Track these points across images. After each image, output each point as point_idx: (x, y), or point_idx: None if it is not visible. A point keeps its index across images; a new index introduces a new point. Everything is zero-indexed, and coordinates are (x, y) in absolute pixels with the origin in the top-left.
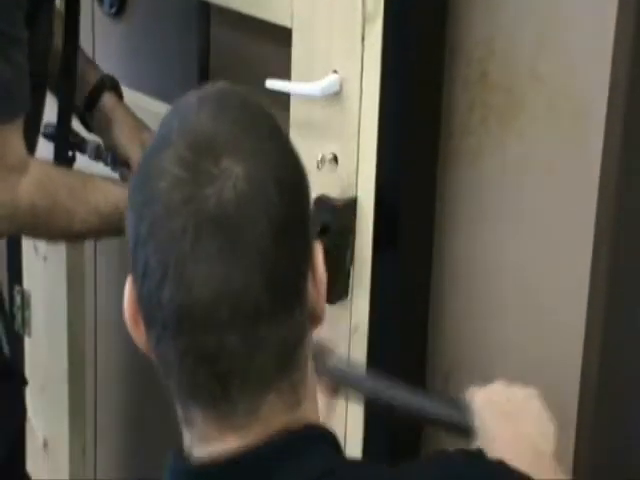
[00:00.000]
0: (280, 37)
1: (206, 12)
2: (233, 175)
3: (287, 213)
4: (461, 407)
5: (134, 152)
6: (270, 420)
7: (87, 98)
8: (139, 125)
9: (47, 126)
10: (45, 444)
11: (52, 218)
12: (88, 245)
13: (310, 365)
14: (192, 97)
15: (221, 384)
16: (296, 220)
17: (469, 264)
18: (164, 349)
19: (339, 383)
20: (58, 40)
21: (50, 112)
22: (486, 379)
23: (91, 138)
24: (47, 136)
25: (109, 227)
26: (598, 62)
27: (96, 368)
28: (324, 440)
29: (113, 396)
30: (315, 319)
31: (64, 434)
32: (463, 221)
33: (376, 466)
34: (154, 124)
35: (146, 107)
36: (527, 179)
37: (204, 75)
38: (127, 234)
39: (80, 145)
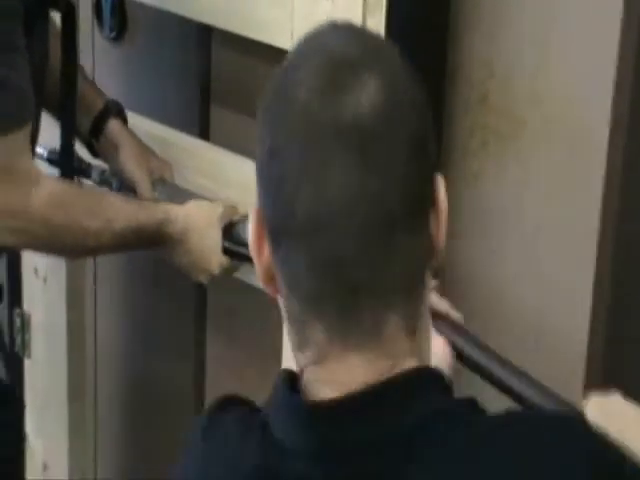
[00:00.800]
0: (281, 59)
1: (207, 35)
2: (372, 87)
3: (420, 130)
4: (571, 406)
5: (140, 177)
6: (392, 344)
7: (93, 124)
8: (145, 150)
9: (51, 152)
10: (45, 466)
11: (67, 234)
12: (88, 267)
13: (426, 302)
14: (324, 25)
15: (350, 293)
16: (427, 139)
17: (470, 285)
18: (293, 261)
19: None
20: (57, 62)
21: (52, 137)
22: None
23: (96, 163)
24: (51, 161)
25: (121, 244)
26: (599, 84)
27: (96, 390)
28: (442, 384)
29: (113, 418)
30: (435, 251)
31: (63, 456)
32: (463, 243)
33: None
34: (155, 147)
35: (147, 130)
36: (527, 201)
37: (205, 98)
38: (257, 155)
39: (85, 170)
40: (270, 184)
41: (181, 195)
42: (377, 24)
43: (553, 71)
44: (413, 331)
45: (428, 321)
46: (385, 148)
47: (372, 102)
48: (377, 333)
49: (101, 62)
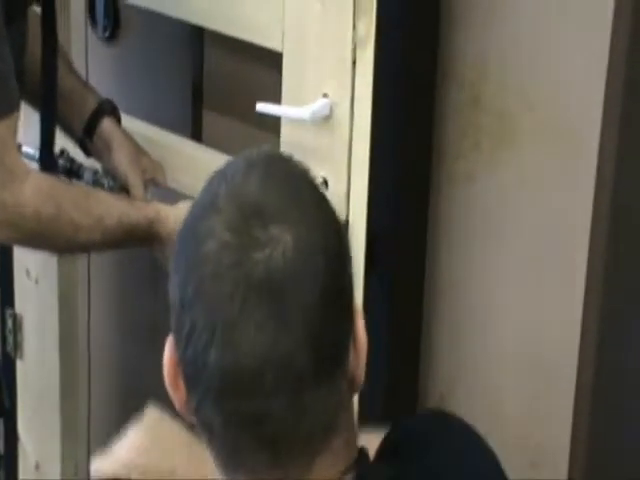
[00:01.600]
0: (273, 61)
1: (199, 36)
2: (282, 242)
3: (333, 282)
4: None
5: (133, 177)
6: (324, 475)
7: (87, 124)
8: (138, 150)
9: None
10: (37, 466)
11: (57, 227)
12: (80, 267)
13: (351, 414)
14: (239, 162)
15: (269, 450)
16: (342, 289)
17: (461, 285)
18: (207, 413)
19: None
20: (37, 54)
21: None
22: (482, 396)
23: (88, 164)
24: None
25: (112, 240)
26: (591, 86)
27: (89, 390)
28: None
29: (105, 418)
30: (354, 385)
31: (56, 456)
32: (455, 244)
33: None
34: (146, 147)
35: (139, 131)
36: (520, 202)
37: (197, 99)
38: (170, 297)
39: (77, 171)
40: (182, 333)
41: (173, 196)
42: (368, 26)
43: (545, 72)
44: (348, 456)
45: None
46: (294, 306)
47: (282, 260)
48: (306, 475)
49: (94, 62)
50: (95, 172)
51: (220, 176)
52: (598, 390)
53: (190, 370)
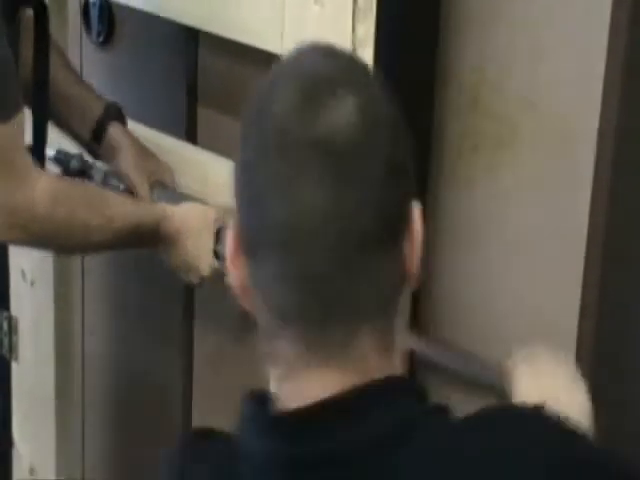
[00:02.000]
0: (268, 61)
1: (194, 39)
2: (349, 106)
3: (397, 153)
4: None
5: (139, 180)
6: (362, 361)
7: (94, 130)
8: (145, 153)
9: (58, 152)
10: (31, 470)
11: (69, 229)
12: (76, 270)
13: (398, 322)
14: (304, 46)
15: (321, 307)
16: (404, 163)
17: (461, 289)
18: (266, 274)
19: None
20: (29, 55)
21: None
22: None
23: (98, 165)
24: (59, 161)
25: (121, 241)
26: (590, 89)
27: (83, 393)
28: (413, 391)
29: (100, 421)
30: (409, 275)
31: (51, 459)
32: (455, 247)
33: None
34: None
35: (134, 133)
36: (519, 205)
37: (192, 101)
38: (235, 162)
39: (88, 172)
40: (243, 198)
41: (179, 199)
42: (367, 28)
43: (544, 75)
44: (385, 349)
45: (399, 341)
46: (361, 166)
47: (349, 120)
48: (347, 350)
49: (89, 66)
50: (105, 173)
51: (286, 57)
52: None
53: (252, 232)
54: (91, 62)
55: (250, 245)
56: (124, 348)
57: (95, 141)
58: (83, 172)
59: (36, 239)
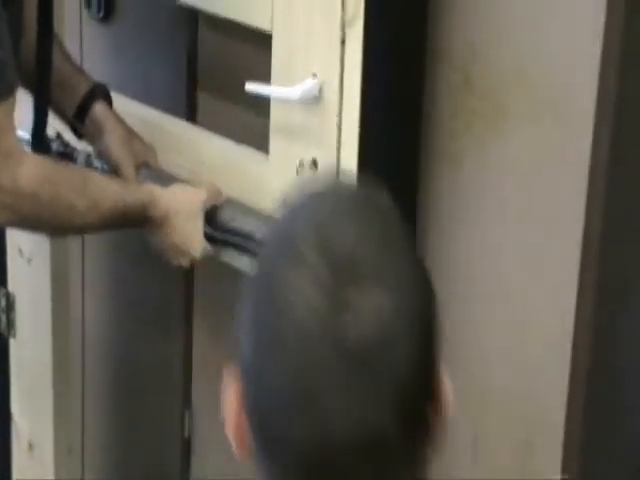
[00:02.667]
0: (267, 42)
1: (194, 16)
2: (376, 308)
3: (427, 353)
4: None
5: (124, 160)
6: None
7: (78, 107)
8: (130, 133)
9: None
10: (30, 445)
11: (55, 210)
12: (74, 246)
13: None
14: (323, 198)
15: None
16: (433, 357)
17: (452, 267)
18: (273, 471)
19: None
20: (32, 37)
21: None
22: (472, 383)
23: (81, 147)
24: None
25: (107, 223)
26: (584, 66)
27: (83, 370)
28: None
29: (99, 397)
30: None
31: (49, 436)
32: (446, 226)
33: None
34: (141, 129)
35: (133, 112)
36: (512, 183)
37: (192, 80)
38: (241, 349)
39: (71, 155)
40: (254, 395)
41: (165, 179)
42: (356, 6)
43: (537, 53)
44: None
45: None
46: (387, 376)
47: (376, 326)
48: None
49: (89, 42)
50: (88, 155)
51: (301, 211)
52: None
53: (263, 432)
54: (91, 38)
55: (261, 441)
56: (123, 324)
57: (79, 118)
58: (65, 155)
59: (21, 219)
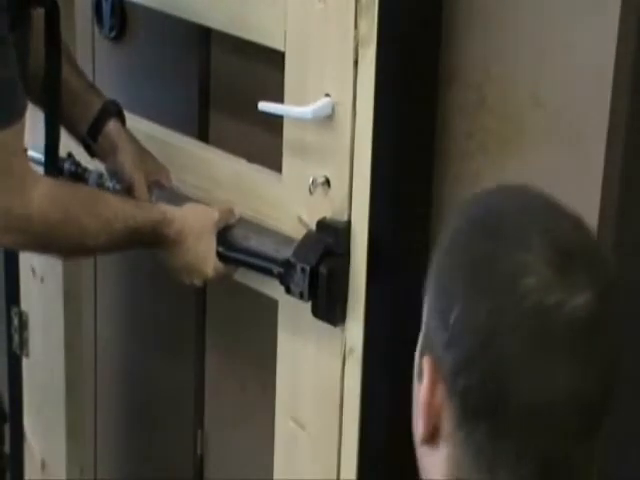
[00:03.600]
0: (280, 61)
1: (206, 36)
2: (592, 287)
3: (620, 329)
4: None
5: (137, 179)
6: None
7: (92, 124)
8: (143, 152)
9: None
10: (43, 464)
11: (65, 232)
12: (86, 265)
13: None
14: (533, 197)
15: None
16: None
17: None
18: (488, 447)
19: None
20: (40, 53)
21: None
22: None
23: (93, 167)
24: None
25: (118, 243)
26: (598, 86)
27: (95, 388)
28: None
29: (111, 416)
30: None
31: (62, 454)
32: None
33: None
34: (153, 147)
35: (145, 131)
36: None
37: (204, 99)
38: (453, 322)
39: (82, 175)
40: (484, 361)
41: (177, 199)
42: (369, 26)
43: (551, 73)
44: None
45: None
46: (602, 348)
47: (595, 302)
48: None
49: (101, 62)
50: (100, 175)
51: (506, 196)
52: None
53: (482, 402)
54: (103, 57)
55: (473, 410)
56: (135, 344)
57: (91, 136)
58: (76, 175)
59: (33, 242)
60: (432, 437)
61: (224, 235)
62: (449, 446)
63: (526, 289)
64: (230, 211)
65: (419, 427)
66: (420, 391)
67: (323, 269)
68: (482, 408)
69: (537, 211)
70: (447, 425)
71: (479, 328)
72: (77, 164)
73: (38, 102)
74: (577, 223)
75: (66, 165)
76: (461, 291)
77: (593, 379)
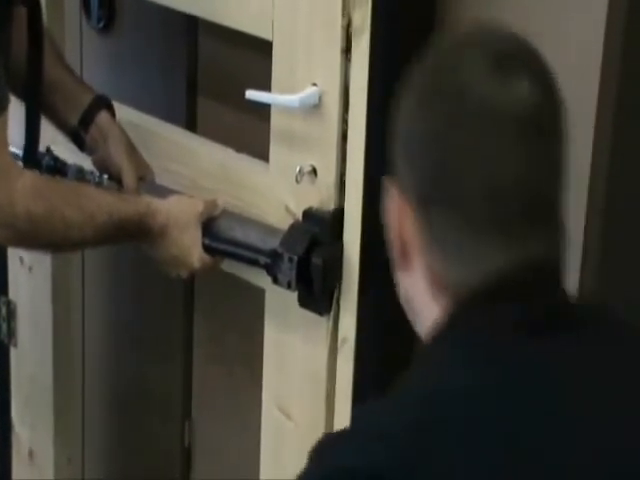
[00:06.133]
0: (268, 50)
1: (194, 25)
2: (534, 82)
3: (563, 119)
4: None
5: (128, 167)
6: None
7: (83, 115)
8: (133, 145)
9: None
10: (30, 454)
11: (49, 226)
12: (74, 255)
13: None
14: (474, 26)
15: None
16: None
17: None
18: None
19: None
20: (22, 49)
21: None
22: None
23: (72, 162)
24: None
25: (103, 236)
26: (585, 74)
27: (83, 378)
28: None
29: (99, 405)
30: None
31: (49, 444)
32: None
33: None
34: (141, 138)
35: (134, 121)
36: None
37: (192, 89)
38: (404, 131)
39: (61, 169)
40: (426, 163)
41: (163, 193)
42: (363, 16)
43: None
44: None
45: None
46: (548, 142)
47: (538, 91)
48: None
49: (89, 52)
50: (80, 170)
51: (457, 34)
52: None
53: (438, 194)
54: (91, 48)
55: (430, 200)
56: (123, 333)
57: (83, 126)
58: (55, 169)
59: (17, 236)
60: (404, 257)
61: (209, 227)
62: (422, 258)
63: (464, 84)
64: (214, 203)
65: (394, 251)
66: (390, 213)
67: (317, 259)
68: (437, 197)
69: (481, 33)
70: (416, 241)
71: (419, 128)
72: (55, 158)
73: (19, 98)
74: (516, 36)
75: (45, 160)
76: (414, 109)
77: (539, 168)
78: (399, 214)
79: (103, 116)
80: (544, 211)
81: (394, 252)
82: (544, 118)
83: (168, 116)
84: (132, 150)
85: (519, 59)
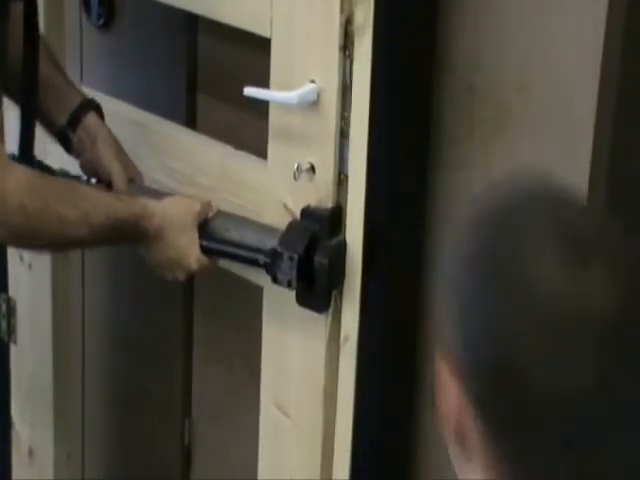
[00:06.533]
0: (267, 47)
1: (194, 23)
2: (610, 276)
3: None
4: None
5: (118, 169)
6: None
7: (71, 116)
8: (121, 148)
9: None
10: (30, 451)
11: (44, 222)
12: (74, 252)
13: None
14: (533, 185)
15: None
16: None
17: None
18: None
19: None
20: (18, 50)
21: None
22: None
23: (59, 167)
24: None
25: (99, 236)
26: (585, 74)
27: (83, 375)
28: None
29: (99, 403)
30: None
31: (49, 441)
32: (450, 231)
33: None
34: (139, 135)
35: (132, 117)
36: None
37: (192, 86)
38: (463, 309)
39: (50, 173)
40: (489, 365)
41: (151, 195)
42: (365, 14)
43: (539, 59)
44: None
45: None
46: (628, 341)
47: (612, 293)
48: None
49: (89, 50)
50: (66, 174)
51: (517, 194)
52: None
53: (502, 401)
54: (91, 45)
55: (493, 410)
56: (123, 331)
57: (70, 127)
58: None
59: (12, 233)
60: (461, 440)
61: (206, 227)
62: (480, 457)
63: (535, 279)
64: (209, 204)
65: (446, 430)
66: (445, 396)
67: (322, 258)
68: (501, 406)
69: (546, 204)
70: (472, 434)
71: (494, 329)
72: (40, 163)
73: (14, 98)
74: (589, 210)
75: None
76: (477, 292)
77: (620, 370)
78: (459, 408)
79: (91, 118)
80: None
81: (449, 435)
82: (627, 323)
83: (168, 113)
84: (121, 152)
85: (597, 246)
